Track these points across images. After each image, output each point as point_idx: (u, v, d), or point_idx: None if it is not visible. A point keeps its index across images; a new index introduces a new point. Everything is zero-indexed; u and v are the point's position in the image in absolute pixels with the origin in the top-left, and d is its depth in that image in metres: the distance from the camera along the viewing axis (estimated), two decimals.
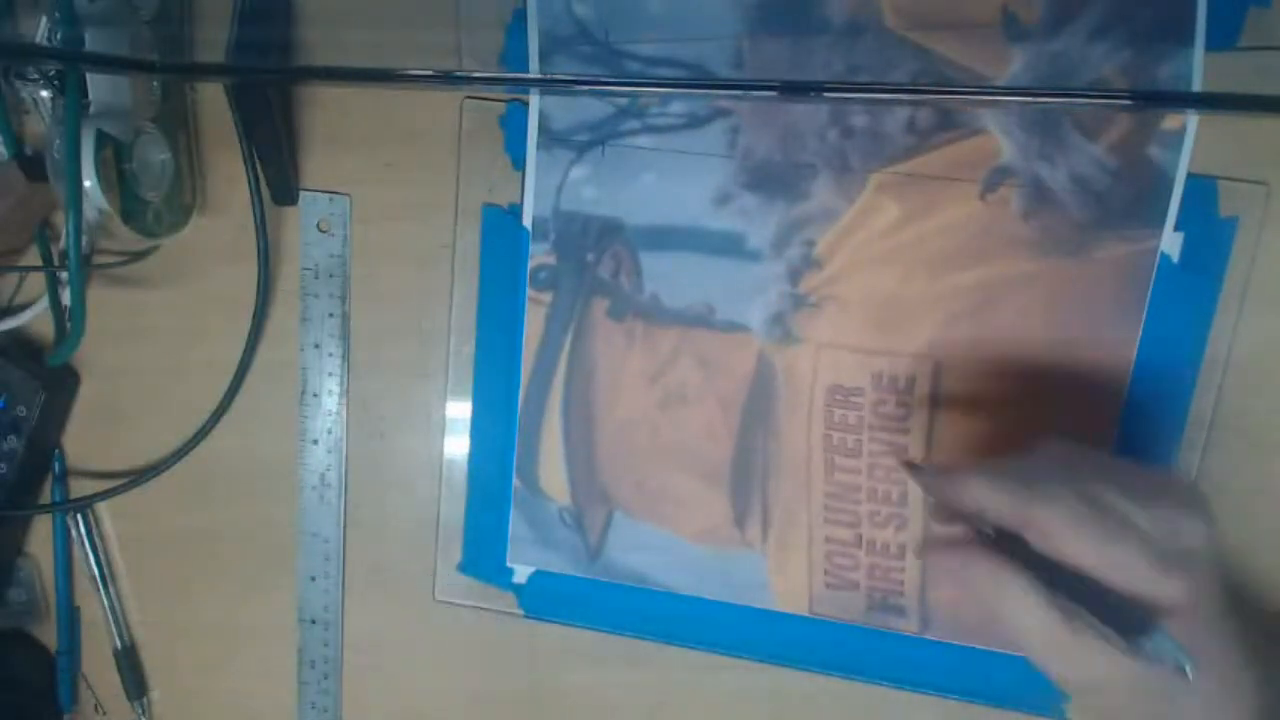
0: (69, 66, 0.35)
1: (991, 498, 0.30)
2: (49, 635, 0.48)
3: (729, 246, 0.38)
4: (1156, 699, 0.28)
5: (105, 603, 0.47)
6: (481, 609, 0.44)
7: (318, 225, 0.42)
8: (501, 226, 0.40)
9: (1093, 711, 0.33)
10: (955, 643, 0.40)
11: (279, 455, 0.44)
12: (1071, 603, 0.28)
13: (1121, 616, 0.27)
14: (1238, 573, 0.31)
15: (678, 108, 0.38)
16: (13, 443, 0.43)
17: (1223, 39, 0.34)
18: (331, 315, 0.42)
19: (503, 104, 0.39)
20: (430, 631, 0.45)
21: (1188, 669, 0.26)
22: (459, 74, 0.38)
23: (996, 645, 0.40)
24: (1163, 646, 0.26)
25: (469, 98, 0.39)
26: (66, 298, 0.41)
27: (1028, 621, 0.29)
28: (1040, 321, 0.37)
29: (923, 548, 0.33)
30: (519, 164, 0.39)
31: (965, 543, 0.31)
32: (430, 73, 0.35)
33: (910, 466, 0.37)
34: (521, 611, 0.44)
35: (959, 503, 0.32)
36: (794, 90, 0.33)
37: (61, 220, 0.36)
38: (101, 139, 0.35)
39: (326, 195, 0.41)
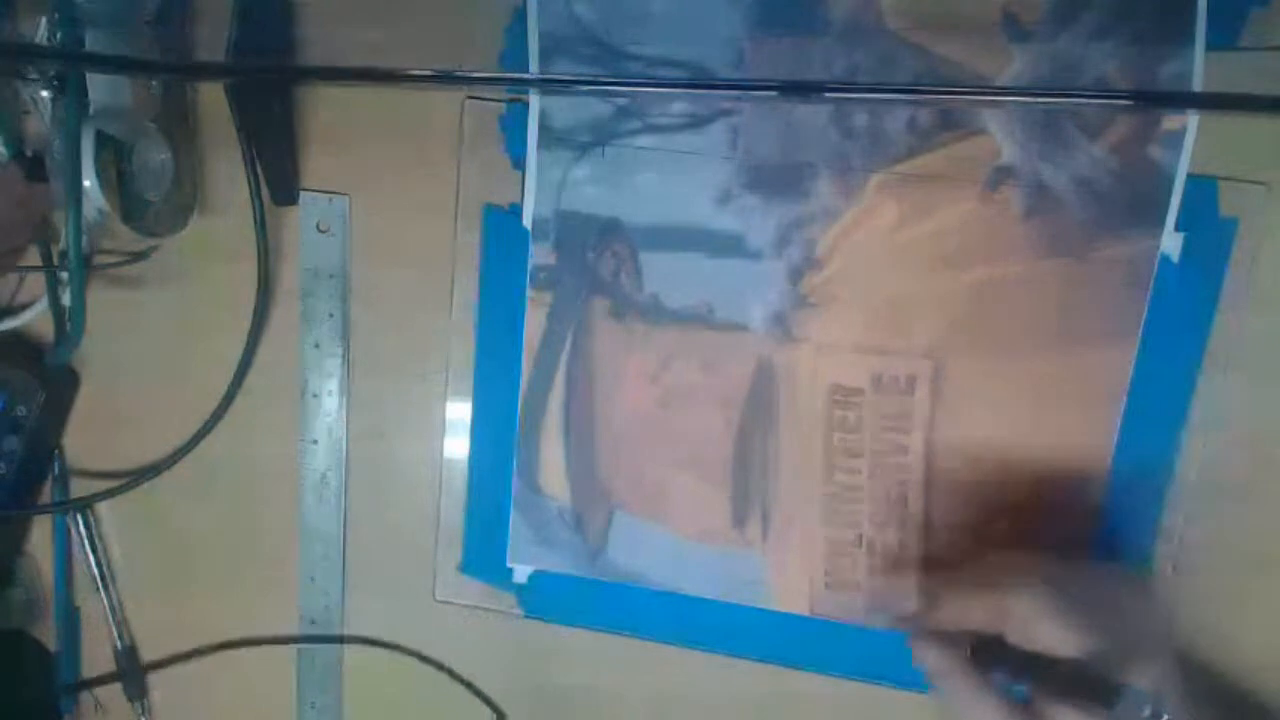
0: (69, 66, 0.35)
1: (968, 610, 0.34)
2: (49, 635, 0.48)
3: (729, 246, 0.38)
4: None
5: (105, 603, 0.47)
6: (481, 609, 0.44)
7: (317, 225, 0.42)
8: (501, 226, 0.40)
9: None
10: None
11: (279, 455, 0.44)
12: (1052, 690, 0.31)
13: (1099, 689, 0.30)
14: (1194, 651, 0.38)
15: (678, 108, 0.38)
16: (13, 443, 0.43)
17: (1223, 39, 0.34)
18: (331, 315, 0.42)
19: (503, 104, 0.39)
20: (430, 631, 0.45)
21: (1165, 713, 0.28)
22: (459, 74, 0.38)
23: None
24: (1140, 698, 0.29)
25: (469, 98, 0.39)
26: (66, 298, 0.41)
27: None
28: (1040, 321, 0.37)
29: (914, 654, 0.36)
30: (519, 164, 0.39)
31: (950, 659, 0.34)
32: (430, 73, 0.35)
33: (902, 619, 0.40)
34: (521, 611, 0.44)
35: (943, 625, 0.35)
36: (794, 90, 0.32)
37: (61, 220, 0.36)
38: (101, 139, 0.35)
39: (326, 195, 0.41)
